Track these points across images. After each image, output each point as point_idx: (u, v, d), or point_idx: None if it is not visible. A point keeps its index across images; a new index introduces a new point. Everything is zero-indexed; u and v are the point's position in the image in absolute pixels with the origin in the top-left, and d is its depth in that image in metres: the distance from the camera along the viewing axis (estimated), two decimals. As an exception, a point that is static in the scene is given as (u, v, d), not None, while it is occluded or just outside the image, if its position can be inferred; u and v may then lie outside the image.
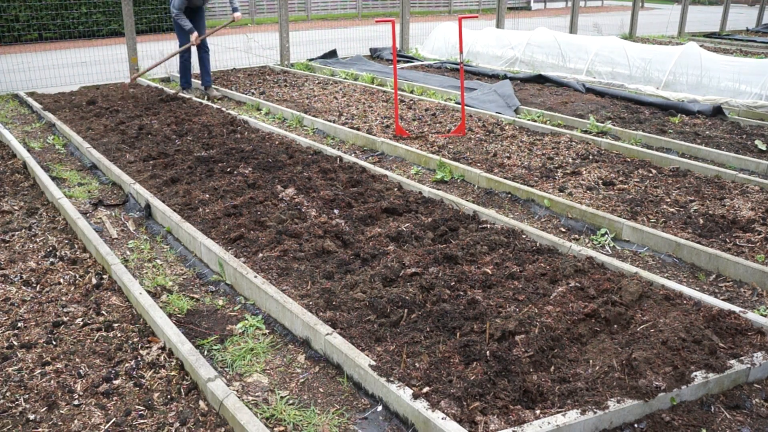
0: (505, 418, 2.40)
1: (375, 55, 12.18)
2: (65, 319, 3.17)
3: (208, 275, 3.73)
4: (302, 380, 2.81)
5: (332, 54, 11.74)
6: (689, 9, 16.10)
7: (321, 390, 2.75)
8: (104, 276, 3.62)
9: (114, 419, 2.50)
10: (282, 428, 2.51)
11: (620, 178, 5.13)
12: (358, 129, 6.67)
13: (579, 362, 2.76)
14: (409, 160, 5.81)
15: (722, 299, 3.42)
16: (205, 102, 7.73)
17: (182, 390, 2.68)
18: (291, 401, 2.68)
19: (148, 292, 3.39)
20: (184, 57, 8.46)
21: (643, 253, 4.02)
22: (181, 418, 2.52)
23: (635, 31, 14.70)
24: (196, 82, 9.00)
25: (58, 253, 3.88)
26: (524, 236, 3.99)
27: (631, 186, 4.97)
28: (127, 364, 2.83)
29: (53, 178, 5.21)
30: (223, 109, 7.39)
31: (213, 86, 8.76)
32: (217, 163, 5.31)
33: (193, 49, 8.45)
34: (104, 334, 3.05)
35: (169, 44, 13.04)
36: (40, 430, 2.45)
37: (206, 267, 3.81)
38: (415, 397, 2.46)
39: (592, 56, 9.60)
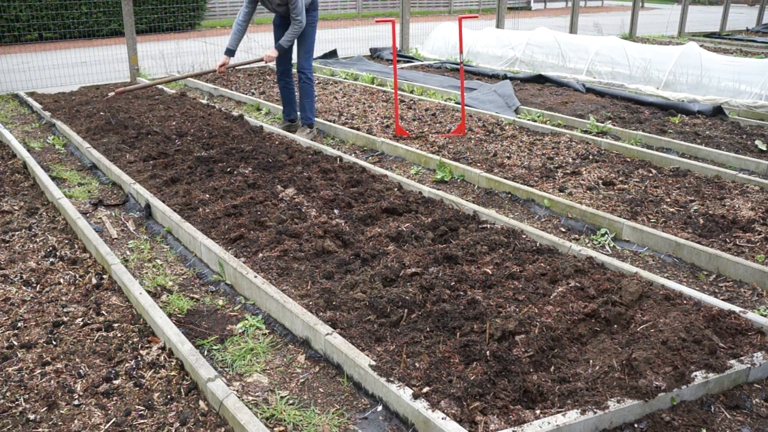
0: (505, 418, 2.40)
1: (375, 55, 12.18)
2: (65, 319, 3.17)
3: (208, 275, 3.73)
4: (302, 380, 2.81)
5: (332, 54, 11.74)
6: (689, 9, 16.10)
7: (321, 390, 2.75)
8: (104, 276, 3.62)
9: (114, 419, 2.50)
10: (282, 428, 2.51)
11: (620, 178, 5.13)
12: (358, 129, 6.67)
13: (579, 362, 2.76)
14: (409, 160, 5.81)
15: (722, 299, 3.42)
16: (204, 101, 7.73)
17: (182, 390, 2.68)
18: (291, 401, 2.68)
19: (148, 292, 3.39)
20: (283, 81, 6.54)
21: (643, 253, 4.02)
22: (181, 418, 2.52)
23: (635, 31, 14.70)
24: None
25: (58, 253, 3.88)
26: (524, 236, 3.99)
27: (631, 186, 4.97)
28: (127, 364, 2.83)
29: (53, 178, 5.21)
30: (223, 109, 7.40)
31: (306, 125, 6.58)
32: (217, 163, 5.31)
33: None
34: (104, 334, 3.05)
35: (169, 44, 13.05)
36: (40, 430, 2.45)
37: (206, 267, 3.81)
38: (415, 397, 2.46)
39: (592, 56, 9.60)
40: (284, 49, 6.11)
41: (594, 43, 9.81)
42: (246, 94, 8.55)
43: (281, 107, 6.89)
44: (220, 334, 3.14)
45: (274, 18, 6.39)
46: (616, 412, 2.43)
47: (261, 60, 6.17)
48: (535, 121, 7.02)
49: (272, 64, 7.18)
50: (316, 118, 6.81)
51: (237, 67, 6.09)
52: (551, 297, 3.19)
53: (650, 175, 5.23)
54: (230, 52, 6.15)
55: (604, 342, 2.88)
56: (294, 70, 6.45)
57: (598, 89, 8.53)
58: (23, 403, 2.57)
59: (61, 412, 2.54)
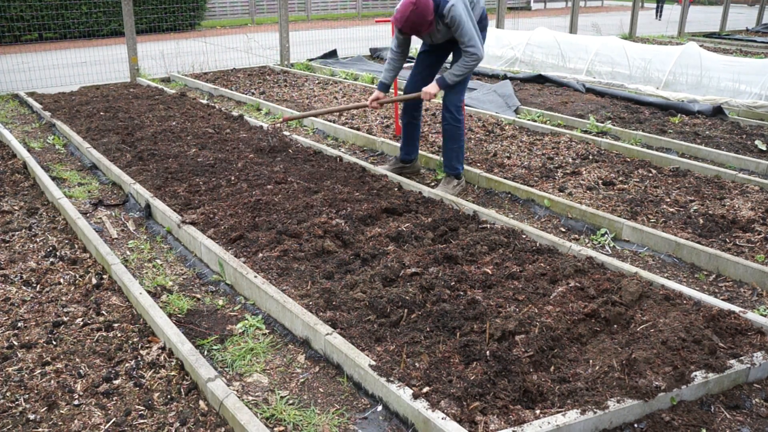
0: (505, 418, 2.40)
1: (375, 55, 12.18)
2: (65, 319, 3.17)
3: (208, 275, 3.73)
4: (302, 380, 2.81)
5: (332, 54, 11.75)
6: (689, 9, 16.10)
7: (321, 390, 2.75)
8: (104, 276, 3.62)
9: (114, 419, 2.50)
10: (282, 428, 2.51)
11: (620, 178, 5.13)
12: (358, 129, 6.67)
13: (579, 362, 2.76)
14: (409, 160, 5.80)
15: (722, 299, 3.42)
16: (204, 101, 7.73)
17: (182, 390, 2.68)
18: (291, 401, 2.68)
19: (148, 292, 3.39)
20: (409, 114, 5.23)
21: (643, 253, 4.02)
22: (181, 418, 2.52)
23: (635, 31, 14.70)
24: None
25: (58, 253, 3.88)
26: (524, 236, 3.99)
27: (631, 186, 4.97)
28: (127, 364, 2.83)
29: (53, 178, 5.21)
30: (223, 109, 7.40)
31: (453, 175, 5.02)
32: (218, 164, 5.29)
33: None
34: (104, 334, 3.05)
35: (169, 44, 13.05)
36: (40, 430, 2.45)
37: (206, 267, 3.81)
38: (415, 397, 2.46)
39: (592, 56, 9.60)
40: (448, 86, 4.85)
41: (594, 43, 9.81)
42: (246, 94, 8.56)
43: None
44: (220, 334, 3.14)
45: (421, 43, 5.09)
46: (616, 412, 2.43)
47: (418, 97, 4.99)
48: (535, 121, 7.02)
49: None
50: (315, 118, 6.75)
51: (389, 102, 5.13)
52: (551, 297, 3.19)
53: (650, 175, 5.23)
54: (385, 87, 5.02)
55: (604, 342, 2.88)
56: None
57: (598, 89, 8.54)
58: (23, 403, 2.57)
59: (61, 412, 2.54)
